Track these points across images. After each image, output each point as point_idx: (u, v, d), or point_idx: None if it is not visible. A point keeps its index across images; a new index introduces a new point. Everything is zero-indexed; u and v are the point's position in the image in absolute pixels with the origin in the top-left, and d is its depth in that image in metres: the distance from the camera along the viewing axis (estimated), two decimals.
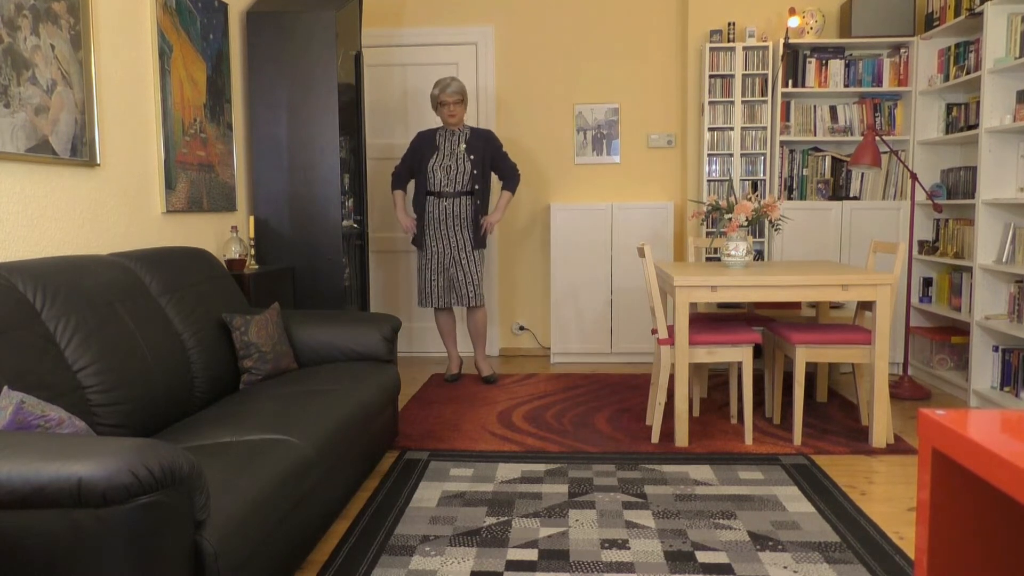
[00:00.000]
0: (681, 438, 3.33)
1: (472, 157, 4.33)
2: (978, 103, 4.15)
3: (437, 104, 4.36)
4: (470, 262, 4.38)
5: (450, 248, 4.38)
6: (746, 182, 4.82)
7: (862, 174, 4.82)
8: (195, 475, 1.57)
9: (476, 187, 4.34)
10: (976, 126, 4.15)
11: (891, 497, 2.79)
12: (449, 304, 4.45)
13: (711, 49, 4.74)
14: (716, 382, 4.53)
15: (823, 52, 4.71)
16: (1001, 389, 3.89)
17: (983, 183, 3.87)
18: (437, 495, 2.82)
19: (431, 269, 4.42)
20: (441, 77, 4.55)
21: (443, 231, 4.38)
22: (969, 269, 4.16)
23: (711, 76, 4.76)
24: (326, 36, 3.91)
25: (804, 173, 4.85)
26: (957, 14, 4.21)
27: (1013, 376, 3.80)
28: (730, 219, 3.52)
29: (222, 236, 3.79)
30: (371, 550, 2.38)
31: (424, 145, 4.42)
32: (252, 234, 3.84)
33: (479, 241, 4.41)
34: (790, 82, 4.70)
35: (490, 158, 4.40)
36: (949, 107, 4.51)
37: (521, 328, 5.43)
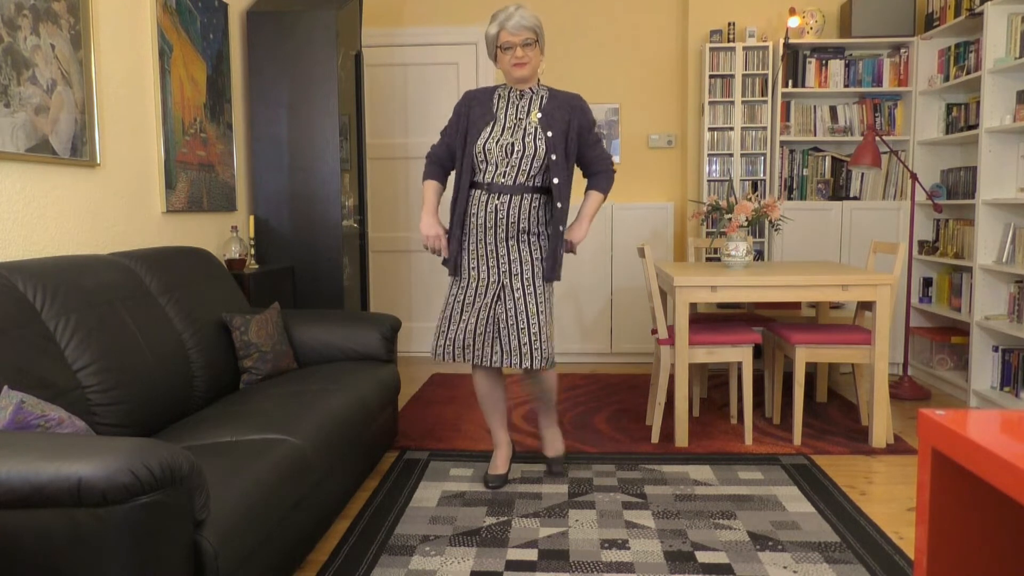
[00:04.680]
0: (681, 438, 3.33)
1: (549, 134, 2.75)
2: (978, 103, 4.15)
3: (496, 48, 2.79)
4: (532, 299, 2.76)
5: (499, 273, 2.79)
6: (746, 182, 4.82)
7: (862, 174, 4.82)
8: (195, 474, 1.58)
9: (555, 180, 2.75)
10: (976, 126, 4.15)
11: (891, 497, 2.79)
12: (487, 361, 2.79)
13: (711, 49, 4.74)
14: (716, 382, 4.53)
15: (823, 52, 4.71)
16: (1001, 389, 3.89)
17: (983, 183, 3.87)
18: (437, 495, 2.82)
19: (462, 303, 2.82)
20: (501, 8, 2.86)
21: (489, 245, 2.79)
22: (969, 269, 4.16)
23: (711, 76, 4.76)
24: (326, 36, 3.91)
25: (804, 173, 4.85)
26: (957, 14, 4.21)
27: (1013, 376, 3.80)
28: (730, 219, 3.52)
29: (222, 236, 3.79)
30: (371, 550, 2.38)
31: (476, 111, 2.85)
32: (252, 234, 3.84)
33: (551, 269, 2.79)
34: (790, 82, 4.70)
35: (575, 136, 2.82)
36: (949, 107, 4.51)
37: None
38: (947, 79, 4.42)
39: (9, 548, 1.42)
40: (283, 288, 3.87)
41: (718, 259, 4.77)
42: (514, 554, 2.34)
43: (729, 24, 4.77)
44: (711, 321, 3.71)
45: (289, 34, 3.92)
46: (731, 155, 4.80)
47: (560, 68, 5.22)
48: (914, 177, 4.17)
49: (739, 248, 3.55)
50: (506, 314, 2.77)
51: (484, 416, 3.07)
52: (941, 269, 4.55)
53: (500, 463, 2.97)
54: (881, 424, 3.29)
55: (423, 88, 5.31)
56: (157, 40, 3.14)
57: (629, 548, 2.38)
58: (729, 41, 4.77)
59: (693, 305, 4.31)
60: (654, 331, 3.57)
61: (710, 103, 4.78)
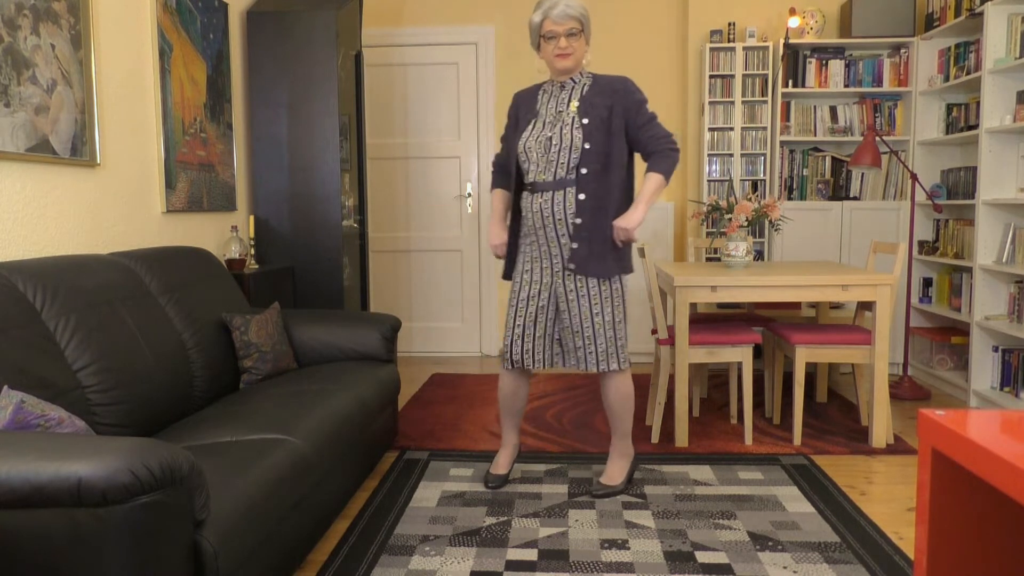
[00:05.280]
0: (681, 438, 3.33)
1: (585, 121, 2.65)
2: (978, 103, 4.15)
3: (539, 38, 2.70)
4: (586, 299, 2.69)
5: (552, 274, 2.74)
6: (746, 182, 4.82)
7: (862, 174, 4.82)
8: (195, 474, 1.57)
9: (583, 171, 2.65)
10: (976, 126, 4.14)
11: (891, 497, 2.79)
12: (545, 364, 2.79)
13: (711, 49, 4.74)
14: (716, 382, 4.53)
15: (823, 52, 4.71)
16: (1001, 389, 3.89)
17: (983, 183, 3.87)
18: (437, 495, 2.82)
19: (515, 308, 2.79)
20: None
21: (543, 246, 2.74)
22: (969, 269, 4.16)
23: (711, 76, 4.76)
24: (326, 36, 3.90)
25: (804, 173, 4.85)
26: (957, 14, 4.21)
27: (1013, 376, 3.80)
28: (730, 219, 3.52)
29: (222, 236, 3.79)
30: (371, 550, 2.38)
31: (522, 111, 2.84)
32: (252, 234, 3.84)
33: (598, 263, 2.68)
34: (790, 82, 4.70)
35: (620, 122, 2.69)
36: (949, 107, 4.51)
37: None
38: (947, 79, 4.42)
39: (9, 548, 1.42)
40: (283, 288, 3.87)
41: (718, 259, 4.76)
42: (514, 554, 2.34)
43: (729, 24, 4.77)
44: (711, 321, 3.71)
45: (289, 34, 3.92)
46: (731, 155, 4.80)
47: None
48: (914, 177, 4.17)
49: (739, 248, 3.55)
50: (558, 316, 2.75)
51: (500, 413, 3.01)
52: (941, 269, 4.55)
53: (502, 463, 2.95)
54: (881, 424, 3.29)
55: (423, 88, 5.31)
56: (157, 40, 3.14)
57: (629, 548, 2.38)
58: (729, 41, 4.77)
59: (693, 305, 4.31)
60: (654, 331, 3.57)
61: (710, 103, 4.78)
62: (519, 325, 2.78)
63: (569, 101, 2.72)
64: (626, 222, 2.65)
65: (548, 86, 2.80)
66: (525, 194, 2.76)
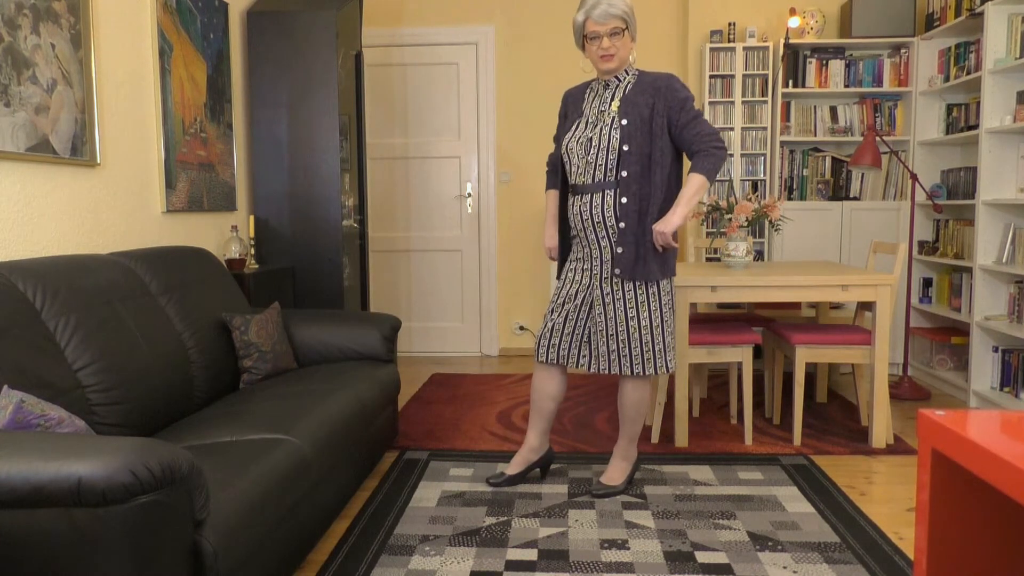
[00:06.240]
0: (681, 438, 3.33)
1: (624, 122, 2.61)
2: (978, 103, 4.15)
3: (583, 38, 2.67)
4: (621, 303, 2.67)
5: (591, 276, 2.73)
6: (746, 182, 4.82)
7: (862, 174, 4.82)
8: (195, 474, 1.57)
9: (624, 174, 2.61)
10: (976, 126, 4.15)
11: (891, 497, 2.79)
12: (570, 362, 2.79)
13: (711, 49, 4.74)
14: (716, 382, 4.53)
15: (823, 52, 4.71)
16: (1001, 390, 3.89)
17: (983, 183, 3.87)
18: (437, 495, 2.82)
19: (553, 303, 2.81)
20: None
21: (585, 249, 2.74)
22: (969, 270, 4.16)
23: (711, 76, 4.76)
24: (326, 36, 3.90)
25: (804, 173, 4.85)
26: (957, 14, 4.21)
27: (1013, 377, 3.80)
28: (730, 219, 3.52)
29: (222, 236, 3.79)
30: (371, 550, 2.38)
31: (570, 109, 2.83)
32: (252, 234, 3.84)
33: (642, 267, 2.65)
34: (790, 82, 4.70)
35: (662, 121, 2.62)
36: (949, 107, 4.51)
37: (521, 328, 5.43)
38: (947, 79, 4.42)
39: (9, 548, 1.42)
40: (283, 288, 3.87)
41: (718, 259, 4.76)
42: (514, 554, 2.34)
43: (729, 24, 4.77)
44: (711, 321, 3.71)
45: (289, 34, 3.92)
46: (731, 155, 4.80)
47: (561, 68, 5.22)
48: (914, 177, 4.17)
49: (739, 248, 3.55)
50: (594, 319, 2.72)
51: (530, 410, 2.95)
52: (941, 269, 4.55)
53: (513, 462, 2.93)
54: (881, 424, 3.29)
55: (423, 88, 5.31)
56: (157, 40, 3.14)
57: (629, 548, 2.38)
58: (729, 41, 4.77)
59: (693, 305, 4.31)
60: None
61: (710, 103, 4.78)
62: (552, 320, 2.78)
63: (611, 100, 2.68)
64: (663, 226, 2.59)
65: (595, 84, 2.77)
66: (569, 195, 2.77)
